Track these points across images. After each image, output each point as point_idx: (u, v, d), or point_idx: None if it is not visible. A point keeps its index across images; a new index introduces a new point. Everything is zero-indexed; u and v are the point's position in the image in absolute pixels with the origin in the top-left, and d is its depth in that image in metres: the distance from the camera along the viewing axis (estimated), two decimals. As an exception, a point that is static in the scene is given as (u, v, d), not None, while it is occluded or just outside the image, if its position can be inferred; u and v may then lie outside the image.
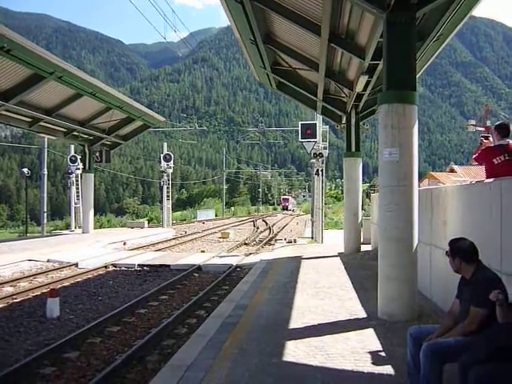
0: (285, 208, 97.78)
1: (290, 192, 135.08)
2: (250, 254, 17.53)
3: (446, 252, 4.03)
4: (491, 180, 5.63)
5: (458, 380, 3.25)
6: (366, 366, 4.90)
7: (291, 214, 71.92)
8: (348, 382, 4.51)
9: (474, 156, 6.48)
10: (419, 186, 8.60)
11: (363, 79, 10.93)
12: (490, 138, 6.34)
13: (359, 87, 11.63)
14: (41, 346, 6.97)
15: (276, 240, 23.34)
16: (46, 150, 31.07)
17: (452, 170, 44.56)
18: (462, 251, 3.91)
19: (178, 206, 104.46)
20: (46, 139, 29.64)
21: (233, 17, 10.08)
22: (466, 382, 3.12)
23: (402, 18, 6.56)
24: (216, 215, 62.65)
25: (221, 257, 16.60)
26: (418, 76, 13.28)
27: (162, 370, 5.12)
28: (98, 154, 25.44)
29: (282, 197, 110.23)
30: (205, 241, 24.73)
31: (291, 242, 20.12)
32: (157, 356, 6.58)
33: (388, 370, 4.78)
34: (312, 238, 20.95)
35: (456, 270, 3.98)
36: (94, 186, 27.60)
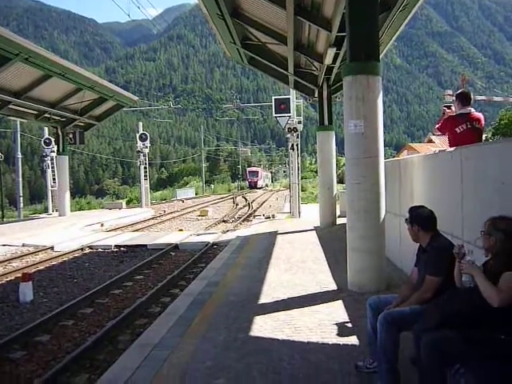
0: (253, 186, 74.29)
1: (267, 166, 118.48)
2: (228, 231, 17.56)
3: (406, 219, 4.06)
4: (453, 148, 5.66)
5: (413, 348, 3.29)
6: (332, 338, 4.96)
7: (271, 190, 71.43)
8: (313, 353, 4.55)
9: (437, 126, 6.49)
10: (398, 157, 8.64)
11: (331, 52, 10.86)
12: (453, 108, 6.35)
13: (328, 60, 11.57)
14: (12, 330, 6.92)
15: (255, 216, 23.39)
16: (18, 133, 30.44)
17: (430, 141, 44.83)
18: (419, 219, 3.93)
19: (159, 185, 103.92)
20: (18, 122, 29.06)
21: (198, -9, 9.89)
22: (419, 350, 3.17)
23: (363, -13, 6.49)
24: (196, 193, 62.48)
25: (198, 235, 16.60)
26: (388, 46, 13.35)
27: (128, 348, 5.13)
28: (71, 136, 25.02)
29: (248, 169, 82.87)
30: (183, 219, 24.67)
31: (269, 218, 20.18)
32: (129, 336, 6.59)
33: (353, 340, 4.85)
34: (290, 212, 21.03)
35: (414, 239, 4.01)
36: (73, 168, 27.43)
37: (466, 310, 3.11)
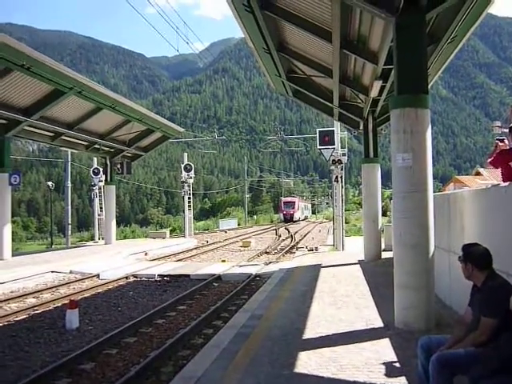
0: (289, 219, 64.89)
1: (309, 197, 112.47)
2: (270, 262, 17.46)
3: (459, 257, 3.94)
4: (507, 183, 5.48)
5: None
6: (380, 378, 4.78)
7: (314, 222, 70.35)
8: (360, 393, 4.41)
9: (490, 159, 6.32)
10: (444, 191, 8.44)
11: (377, 84, 10.84)
12: (506, 141, 6.18)
13: (374, 92, 11.54)
14: (58, 357, 7.03)
15: (297, 248, 23.22)
16: (69, 163, 31.63)
17: (478, 174, 43.62)
18: (474, 257, 3.80)
19: (202, 215, 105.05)
20: (69, 153, 30.20)
21: (245, 26, 10.11)
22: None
23: (411, 20, 6.47)
24: (239, 224, 62.68)
25: (241, 266, 16.57)
26: (435, 78, 13.24)
27: (172, 381, 5.10)
28: (119, 166, 25.79)
29: (283, 199, 71.97)
30: (226, 250, 24.73)
31: (312, 250, 19.98)
32: (171, 367, 6.56)
33: (402, 382, 4.65)
34: (333, 245, 20.77)
35: (467, 277, 3.88)
36: (119, 197, 28.15)
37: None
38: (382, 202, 16.78)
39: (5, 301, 11.28)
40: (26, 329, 8.84)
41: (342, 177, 19.53)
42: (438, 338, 3.94)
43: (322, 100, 15.26)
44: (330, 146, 18.18)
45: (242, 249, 25.14)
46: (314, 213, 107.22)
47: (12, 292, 12.64)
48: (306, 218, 77.76)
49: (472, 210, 6.61)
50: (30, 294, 12.23)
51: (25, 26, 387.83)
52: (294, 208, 66.92)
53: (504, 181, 5.88)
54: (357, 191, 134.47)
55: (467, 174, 71.97)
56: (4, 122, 17.56)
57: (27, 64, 14.09)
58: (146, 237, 37.65)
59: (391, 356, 5.44)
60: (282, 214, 68.00)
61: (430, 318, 6.55)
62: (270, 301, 9.04)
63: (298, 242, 28.03)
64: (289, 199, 71.54)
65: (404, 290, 6.65)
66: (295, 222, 63.14)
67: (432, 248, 6.63)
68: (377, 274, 12.07)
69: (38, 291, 12.55)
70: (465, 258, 3.85)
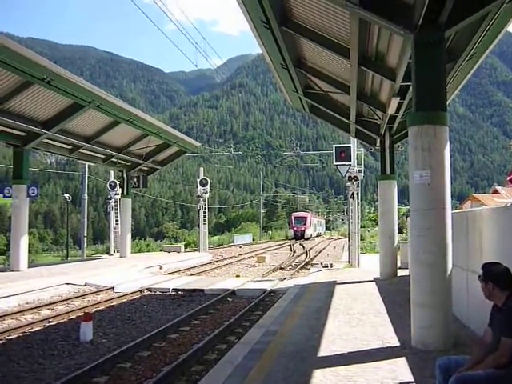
0: (299, 236, 59.14)
1: (324, 214, 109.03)
2: (285, 278, 17.35)
3: (479, 276, 3.88)
4: (527, 202, 5.40)
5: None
6: (396, 398, 4.70)
7: (329, 238, 69.46)
8: (376, 413, 4.32)
9: (510, 177, 6.25)
10: (461, 208, 8.35)
11: (395, 101, 10.82)
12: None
13: (391, 109, 11.51)
14: (72, 369, 7.02)
15: (312, 264, 23.06)
16: (86, 176, 31.94)
17: (496, 192, 43.17)
18: (495, 276, 3.75)
19: (217, 230, 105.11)
20: (86, 166, 30.53)
21: (263, 42, 10.20)
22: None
23: (429, 38, 6.46)
24: (253, 239, 62.51)
25: (255, 281, 16.50)
26: (453, 95, 13.19)
27: (185, 397, 5.06)
28: (135, 180, 25.98)
29: (294, 214, 66.67)
30: (241, 265, 24.67)
31: (327, 267, 19.81)
32: (184, 382, 6.53)
33: (419, 401, 4.57)
34: (348, 262, 20.61)
35: (487, 296, 3.81)
36: (134, 210, 28.39)
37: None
38: (398, 219, 16.71)
39: (20, 312, 11.38)
40: (40, 340, 8.89)
41: (357, 193, 19.44)
42: (456, 359, 3.87)
43: (338, 116, 15.27)
44: (347, 163, 18.14)
45: (256, 264, 25.05)
46: (328, 229, 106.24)
47: (27, 303, 12.72)
48: (318, 234, 73.42)
49: (491, 229, 6.52)
50: (45, 305, 12.31)
51: (45, 40, 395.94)
52: (305, 224, 61.36)
53: (524, 199, 5.80)
54: (372, 208, 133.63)
55: (484, 193, 71.23)
56: (23, 134, 17.83)
57: (48, 78, 14.32)
58: (160, 250, 37.74)
59: (408, 376, 5.35)
60: (292, 230, 62.47)
61: (448, 338, 6.44)
62: (285, 317, 8.97)
63: (312, 259, 27.86)
64: (300, 214, 66.44)
65: (421, 309, 6.55)
66: (307, 239, 58.30)
67: (450, 266, 6.54)
68: (393, 291, 11.92)
69: (53, 303, 12.63)
70: (485, 277, 3.79)
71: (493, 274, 3.75)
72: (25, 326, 9.93)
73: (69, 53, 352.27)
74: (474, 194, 55.48)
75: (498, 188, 43.16)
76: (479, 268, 3.94)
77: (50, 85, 14.77)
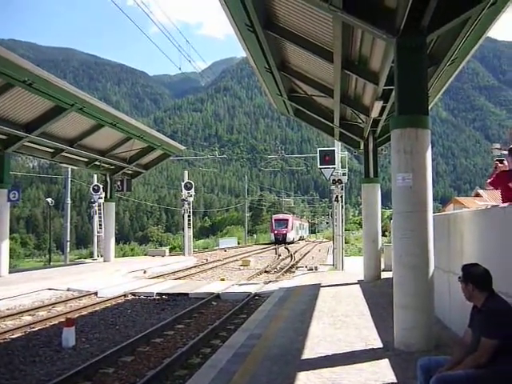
0: (281, 239, 55.88)
1: (307, 216, 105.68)
2: (270, 281, 17.37)
3: (459, 277, 3.92)
4: (506, 204, 5.47)
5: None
6: (379, 399, 4.72)
7: (313, 242, 69.64)
8: (359, 415, 4.34)
9: (489, 180, 6.33)
10: (444, 211, 8.42)
11: (378, 104, 10.91)
12: (505, 162, 6.19)
13: (375, 113, 11.60)
14: (54, 376, 6.93)
15: (297, 267, 23.11)
16: (69, 179, 31.62)
17: (478, 195, 43.67)
18: (474, 277, 3.79)
19: (202, 233, 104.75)
20: (69, 169, 30.24)
21: (247, 46, 10.22)
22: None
23: (412, 42, 6.52)
24: (238, 243, 62.43)
25: (240, 285, 16.48)
26: (435, 99, 13.33)
27: (169, 401, 5.02)
28: (119, 183, 25.83)
29: (274, 217, 63.19)
30: (225, 269, 24.60)
31: (312, 270, 19.89)
32: (168, 387, 6.48)
33: (401, 403, 4.60)
34: (333, 265, 20.69)
35: (468, 298, 3.85)
36: (118, 214, 28.15)
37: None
38: (382, 222, 16.81)
39: (0, 318, 11.18)
40: (21, 347, 8.74)
41: (342, 196, 19.56)
42: (437, 359, 3.90)
43: (322, 119, 15.35)
44: (331, 166, 18.24)
45: (241, 267, 25.00)
46: (313, 232, 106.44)
47: (8, 309, 12.51)
48: (301, 238, 71.04)
49: (472, 231, 6.59)
50: (27, 311, 12.10)
51: (28, 42, 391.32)
52: (287, 227, 57.69)
53: (503, 202, 5.89)
54: (357, 211, 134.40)
55: (467, 196, 71.88)
56: (4, 137, 17.61)
57: (29, 80, 14.18)
58: (145, 255, 37.52)
59: (390, 377, 5.38)
60: (272, 234, 58.76)
61: (430, 339, 6.49)
62: (270, 320, 8.96)
63: (297, 262, 27.89)
64: (280, 216, 62.55)
65: (404, 311, 6.60)
66: (288, 243, 54.56)
67: (432, 268, 6.60)
68: (376, 294, 12.00)
69: (35, 309, 12.43)
70: (465, 278, 3.84)
71: (472, 276, 3.79)
72: (5, 332, 9.76)
73: (52, 55, 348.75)
74: (457, 197, 56.06)
75: (480, 191, 43.67)
76: (460, 270, 3.98)
77: (32, 87, 14.62)
